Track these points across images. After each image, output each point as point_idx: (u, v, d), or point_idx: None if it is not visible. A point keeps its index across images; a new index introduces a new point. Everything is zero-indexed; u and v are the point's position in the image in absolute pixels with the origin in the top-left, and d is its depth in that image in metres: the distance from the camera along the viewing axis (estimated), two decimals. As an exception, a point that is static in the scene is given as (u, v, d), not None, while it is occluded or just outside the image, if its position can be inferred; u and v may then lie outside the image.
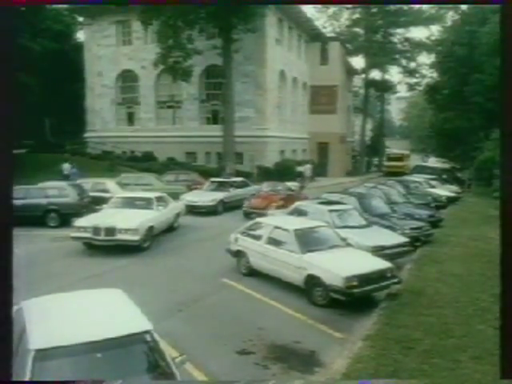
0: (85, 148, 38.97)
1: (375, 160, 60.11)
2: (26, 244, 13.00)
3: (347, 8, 50.43)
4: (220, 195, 21.45)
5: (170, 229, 16.40)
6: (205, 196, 21.29)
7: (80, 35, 46.48)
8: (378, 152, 58.54)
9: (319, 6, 49.87)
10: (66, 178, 24.63)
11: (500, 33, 4.05)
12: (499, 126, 4.25)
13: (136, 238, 13.17)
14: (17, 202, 14.44)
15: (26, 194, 16.91)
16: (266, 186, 22.23)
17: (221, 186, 22.62)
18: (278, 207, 18.08)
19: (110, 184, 20.67)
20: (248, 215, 18.77)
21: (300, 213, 13.64)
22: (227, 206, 21.45)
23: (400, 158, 51.46)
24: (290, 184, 24.53)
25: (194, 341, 7.51)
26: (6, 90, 3.66)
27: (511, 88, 3.94)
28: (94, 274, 11.14)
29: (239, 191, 22.78)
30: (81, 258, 13.04)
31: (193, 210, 20.20)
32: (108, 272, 11.45)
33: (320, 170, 40.44)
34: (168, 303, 9.19)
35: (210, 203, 20.78)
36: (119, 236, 13.08)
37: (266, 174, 32.70)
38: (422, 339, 7.50)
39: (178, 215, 17.30)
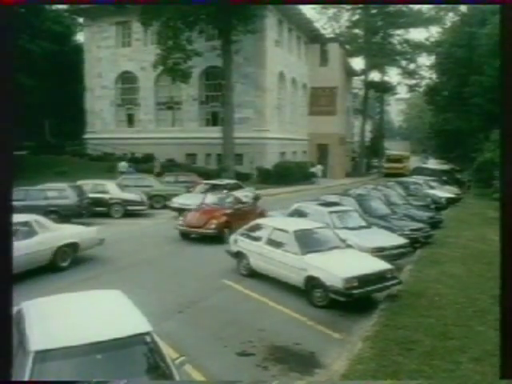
0: (85, 149, 38.98)
1: (375, 161, 60.14)
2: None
3: (347, 9, 50.57)
4: (246, 192, 21.38)
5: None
6: (198, 199, 19.23)
7: (80, 37, 46.67)
8: (378, 153, 58.59)
9: (319, 7, 49.99)
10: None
11: (500, 33, 4.06)
12: (499, 127, 4.25)
13: None
14: (17, 204, 14.43)
15: (26, 196, 16.88)
16: (209, 198, 17.58)
17: (214, 189, 21.40)
18: (220, 225, 14.97)
19: (110, 185, 20.68)
20: (185, 236, 15.54)
21: (300, 214, 13.66)
22: None
23: (399, 160, 51.51)
24: (243, 194, 20.77)
25: (193, 342, 7.52)
26: (5, 91, 3.66)
27: (511, 89, 3.94)
28: (93, 276, 11.15)
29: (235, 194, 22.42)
30: (82, 258, 13.03)
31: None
32: (108, 273, 11.45)
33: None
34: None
35: None
36: None
37: (265, 176, 32.75)
38: (421, 340, 7.50)
39: None
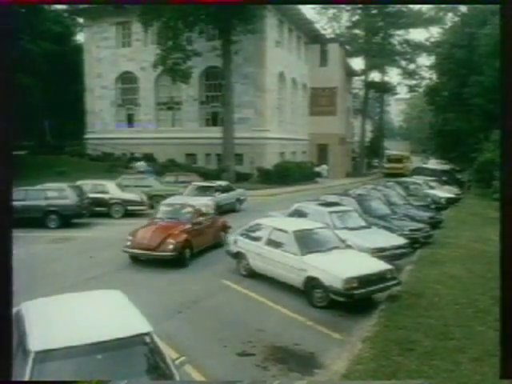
0: (84, 149, 38.97)
1: (375, 161, 60.14)
2: (26, 245, 13.03)
3: (347, 10, 50.56)
4: (206, 201, 18.26)
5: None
6: (190, 202, 17.16)
7: (80, 37, 46.67)
8: (378, 153, 58.59)
9: (319, 7, 50.01)
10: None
11: (500, 33, 4.06)
12: (500, 127, 4.25)
13: None
14: (16, 204, 14.44)
15: (26, 196, 16.90)
16: (165, 209, 14.20)
17: (204, 191, 20.60)
18: (179, 246, 11.96)
19: (110, 185, 20.68)
20: (135, 259, 12.48)
21: (300, 214, 13.64)
22: None
23: (400, 160, 51.52)
24: (203, 202, 16.80)
25: (193, 342, 7.52)
26: (6, 91, 3.66)
27: (511, 89, 3.94)
28: (94, 276, 11.15)
29: (224, 196, 21.20)
30: (82, 258, 13.03)
31: None
32: (107, 274, 11.45)
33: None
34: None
35: None
36: None
37: (266, 176, 32.75)
38: (421, 341, 7.49)
39: None
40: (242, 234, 11.73)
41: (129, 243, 12.04)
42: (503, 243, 3.96)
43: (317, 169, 39.70)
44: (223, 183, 22.72)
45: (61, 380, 4.19)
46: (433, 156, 61.98)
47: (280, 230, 10.72)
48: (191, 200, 16.71)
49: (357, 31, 52.01)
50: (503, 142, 4.09)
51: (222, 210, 19.53)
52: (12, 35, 3.87)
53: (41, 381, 4.10)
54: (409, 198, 19.93)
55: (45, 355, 4.21)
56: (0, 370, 3.63)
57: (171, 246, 11.79)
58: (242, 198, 22.90)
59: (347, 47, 49.42)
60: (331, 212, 13.09)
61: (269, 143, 35.10)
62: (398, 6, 46.67)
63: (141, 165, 30.25)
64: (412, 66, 54.41)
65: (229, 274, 11.47)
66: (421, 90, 56.35)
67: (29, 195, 17.13)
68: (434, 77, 52.69)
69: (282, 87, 38.79)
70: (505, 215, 4.00)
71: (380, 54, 49.16)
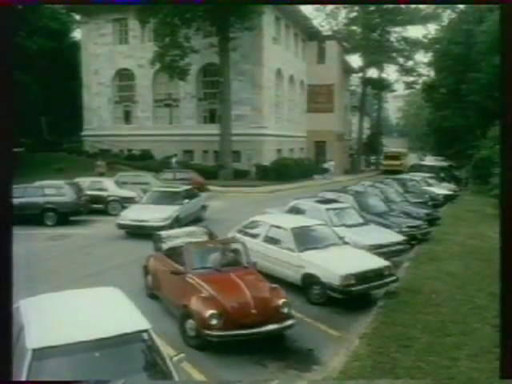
0: (82, 146, 38.94)
1: (372, 158, 60.19)
2: (24, 242, 13.01)
3: (344, 7, 50.48)
4: (174, 210, 15.89)
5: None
6: (156, 212, 15.48)
7: (77, 33, 46.50)
8: (376, 150, 58.63)
9: (316, 4, 49.90)
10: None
11: (500, 33, 4.06)
12: (499, 123, 4.25)
13: None
14: (14, 201, 14.38)
15: (24, 193, 16.87)
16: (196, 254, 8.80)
17: (168, 198, 16.86)
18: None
19: (108, 183, 20.66)
20: None
21: (297, 211, 13.64)
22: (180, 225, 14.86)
23: (397, 157, 51.61)
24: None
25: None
26: (5, 89, 3.65)
27: (511, 86, 3.95)
28: (92, 273, 11.14)
29: (192, 204, 17.73)
30: (80, 256, 13.03)
31: (139, 232, 14.76)
32: (105, 271, 11.44)
33: (317, 168, 40.49)
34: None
35: (165, 222, 14.92)
36: None
37: (264, 173, 32.74)
38: (419, 337, 7.52)
39: None
40: (239, 231, 11.72)
41: (215, 321, 7.02)
42: (503, 240, 3.95)
43: (325, 165, 40.23)
44: (188, 187, 18.69)
45: (60, 379, 4.18)
46: (430, 153, 62.01)
47: (278, 226, 10.73)
48: (152, 211, 15.29)
49: (354, 28, 51.95)
50: (503, 137, 4.09)
51: (185, 221, 16.11)
52: (12, 35, 3.86)
53: (41, 381, 4.11)
54: (406, 195, 19.95)
55: (42, 352, 4.22)
56: (0, 370, 3.62)
57: (286, 310, 7.61)
58: (206, 204, 19.42)
59: (345, 44, 49.40)
60: (329, 209, 13.10)
61: (266, 140, 35.09)
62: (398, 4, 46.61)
63: (172, 162, 31.06)
64: (409, 63, 54.34)
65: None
66: (418, 86, 56.31)
67: (26, 192, 17.11)
68: (432, 74, 52.64)
69: (279, 84, 38.76)
70: (505, 211, 3.99)
71: (377, 51, 49.07)
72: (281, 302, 7.48)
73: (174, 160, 31.52)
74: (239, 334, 7.06)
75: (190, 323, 7.28)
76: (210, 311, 7.03)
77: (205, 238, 10.18)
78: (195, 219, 17.48)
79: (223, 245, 9.10)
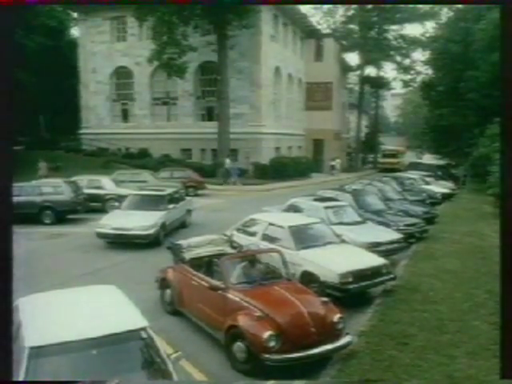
0: (79, 145, 38.88)
1: (370, 156, 60.21)
2: (22, 241, 12.99)
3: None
4: (160, 217, 14.40)
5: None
6: (140, 219, 13.94)
7: (74, 31, 46.38)
8: (373, 148, 58.65)
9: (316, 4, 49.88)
10: (227, 171, 30.16)
11: (500, 33, 4.07)
12: (500, 121, 4.26)
13: None
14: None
15: (21, 192, 16.79)
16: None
17: (152, 203, 15.09)
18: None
19: (105, 181, 20.62)
20: None
21: (295, 209, 13.65)
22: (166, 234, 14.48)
23: (395, 155, 51.68)
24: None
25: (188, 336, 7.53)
26: (5, 88, 3.64)
27: (511, 85, 3.97)
28: (90, 271, 11.13)
29: (178, 208, 16.25)
30: (78, 254, 13.02)
31: (121, 241, 13.67)
32: (104, 269, 11.43)
33: (315, 166, 40.51)
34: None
35: (150, 231, 13.70)
36: None
37: (262, 171, 32.73)
38: (416, 335, 7.53)
39: None
40: (237, 229, 11.72)
41: (273, 343, 6.30)
42: (503, 238, 3.95)
43: (331, 163, 41.68)
44: (174, 190, 17.08)
45: (58, 377, 4.19)
46: (428, 151, 62.07)
47: (275, 225, 10.72)
48: (135, 218, 13.89)
49: (352, 26, 51.93)
50: (503, 136, 4.10)
51: (170, 228, 15.14)
52: (12, 35, 3.85)
53: (41, 381, 4.11)
54: (404, 193, 19.97)
55: (40, 351, 4.21)
56: (0, 370, 3.62)
57: (341, 326, 7.08)
58: (191, 208, 18.08)
59: (342, 42, 49.39)
60: (326, 207, 13.09)
61: (264, 138, 35.05)
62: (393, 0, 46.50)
63: (227, 162, 30.82)
64: (407, 61, 54.30)
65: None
66: (416, 85, 56.32)
67: (24, 191, 17.05)
68: (430, 72, 52.62)
69: (277, 82, 38.71)
70: (504, 209, 3.99)
71: (375, 49, 49.06)
72: (336, 317, 6.88)
73: (228, 160, 30.90)
74: (299, 356, 6.32)
75: (238, 346, 6.55)
76: (268, 332, 6.24)
77: (226, 247, 9.58)
78: (180, 225, 16.32)
79: (260, 255, 8.50)
